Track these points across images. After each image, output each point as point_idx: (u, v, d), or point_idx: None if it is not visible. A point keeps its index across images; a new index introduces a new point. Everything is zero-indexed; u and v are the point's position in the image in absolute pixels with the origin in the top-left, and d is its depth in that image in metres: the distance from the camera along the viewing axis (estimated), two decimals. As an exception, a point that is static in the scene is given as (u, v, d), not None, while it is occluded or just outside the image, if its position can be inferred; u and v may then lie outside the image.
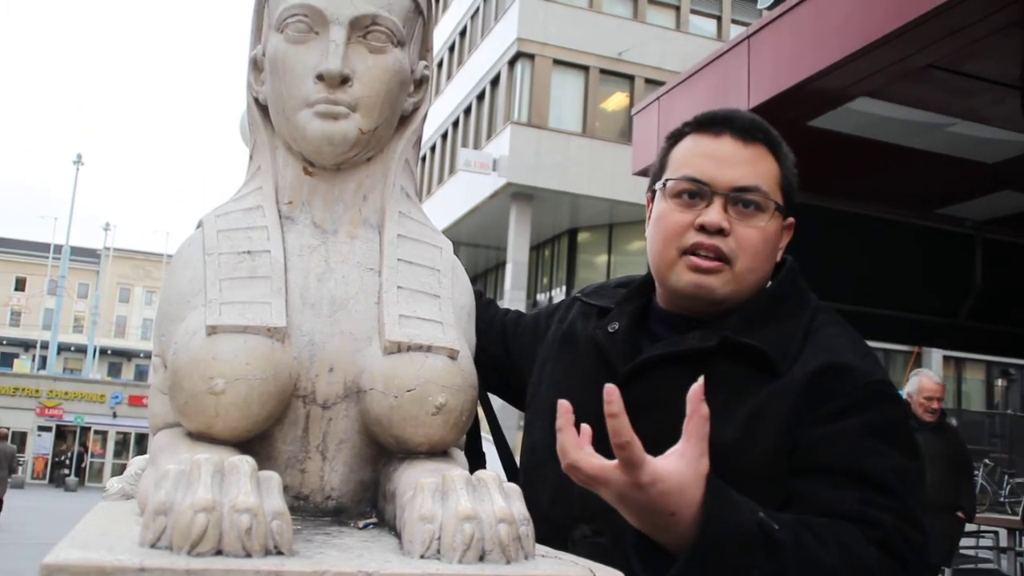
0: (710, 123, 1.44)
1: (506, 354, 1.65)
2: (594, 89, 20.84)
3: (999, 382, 23.39)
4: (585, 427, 1.09)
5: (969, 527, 7.44)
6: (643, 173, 8.41)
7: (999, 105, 6.26)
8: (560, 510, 1.29)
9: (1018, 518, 9.28)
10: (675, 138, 1.48)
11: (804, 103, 6.52)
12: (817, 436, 1.24)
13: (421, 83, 1.36)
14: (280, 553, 0.87)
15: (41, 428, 36.04)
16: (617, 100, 21.22)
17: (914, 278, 7.63)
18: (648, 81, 20.13)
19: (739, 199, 1.36)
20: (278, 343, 1.11)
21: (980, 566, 8.10)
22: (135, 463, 1.50)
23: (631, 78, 20.83)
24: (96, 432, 37.68)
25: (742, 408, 1.25)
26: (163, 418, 1.19)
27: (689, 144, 1.44)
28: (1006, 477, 16.67)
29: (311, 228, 1.24)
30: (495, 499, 0.96)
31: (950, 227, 8.97)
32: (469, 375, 1.19)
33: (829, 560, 1.12)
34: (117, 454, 37.61)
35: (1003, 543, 8.64)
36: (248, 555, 0.84)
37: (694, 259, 1.36)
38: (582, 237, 22.63)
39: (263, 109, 1.31)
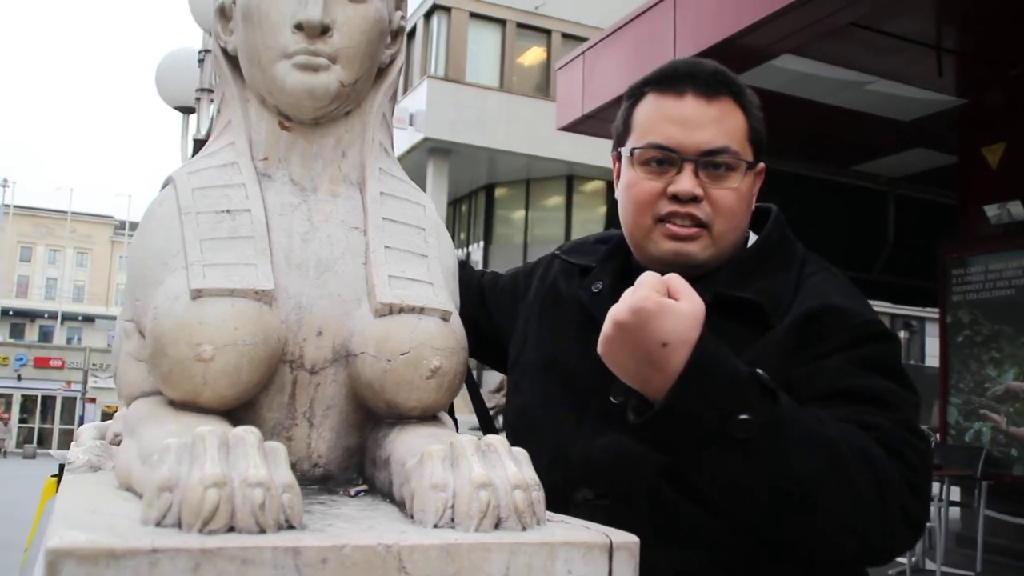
0: (671, 80, 1.40)
1: (486, 315, 1.62)
2: (511, 43, 20.68)
3: (902, 334, 24.26)
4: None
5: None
6: (568, 128, 8.41)
7: (917, 64, 6.42)
8: (559, 473, 1.26)
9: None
10: (635, 96, 1.45)
11: (728, 60, 6.58)
12: (808, 372, 1.23)
13: (397, 34, 1.30)
14: (292, 527, 0.83)
15: (-60, 392, 34.80)
16: (534, 55, 21.11)
17: (832, 234, 7.81)
18: (566, 36, 20.07)
19: (709, 163, 1.35)
20: (266, 306, 1.05)
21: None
22: (86, 431, 1.43)
23: (548, 32, 20.72)
24: (0, 396, 36.50)
25: (742, 360, 1.25)
26: (139, 387, 1.13)
27: (652, 105, 1.41)
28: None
29: (290, 185, 1.18)
30: (507, 465, 0.93)
31: (865, 183, 9.22)
32: (461, 337, 1.16)
33: (830, 433, 1.11)
34: (22, 420, 36.50)
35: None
36: (262, 531, 0.80)
37: (671, 227, 1.34)
38: (499, 192, 22.56)
39: (232, 60, 1.24)
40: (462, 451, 0.93)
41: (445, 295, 1.16)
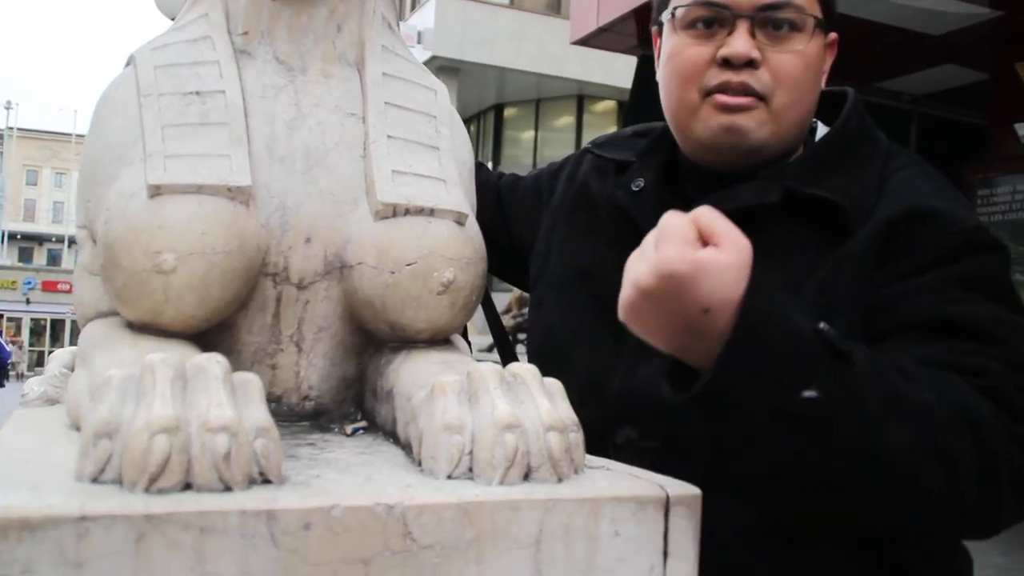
0: None
1: (503, 223, 1.41)
2: (524, -41, 20.06)
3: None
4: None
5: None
6: (582, 42, 8.09)
7: (952, -29, 6.08)
8: (595, 408, 1.03)
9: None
10: None
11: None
12: (893, 293, 1.02)
13: None
14: (268, 481, 0.65)
15: (-50, 315, 34.94)
16: (546, -30, 20.49)
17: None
18: (578, -50, 19.46)
19: (768, 19, 1.11)
20: (242, 206, 0.86)
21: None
22: (57, 357, 1.25)
23: (561, -53, 20.09)
24: (9, 320, 36.62)
25: (813, 279, 1.04)
26: (94, 306, 0.94)
27: None
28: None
29: (274, 64, 0.98)
30: (539, 400, 0.75)
31: (888, 101, 8.89)
32: (479, 245, 0.97)
33: (921, 395, 0.88)
34: (32, 344, 36.68)
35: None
36: (228, 488, 0.62)
37: (721, 97, 1.11)
38: (508, 113, 22.11)
39: (203, -87, 1.02)
40: (482, 383, 0.75)
41: (460, 194, 0.97)
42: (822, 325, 0.86)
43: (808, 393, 0.82)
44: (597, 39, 7.89)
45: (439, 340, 0.97)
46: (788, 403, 0.82)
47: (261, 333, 0.93)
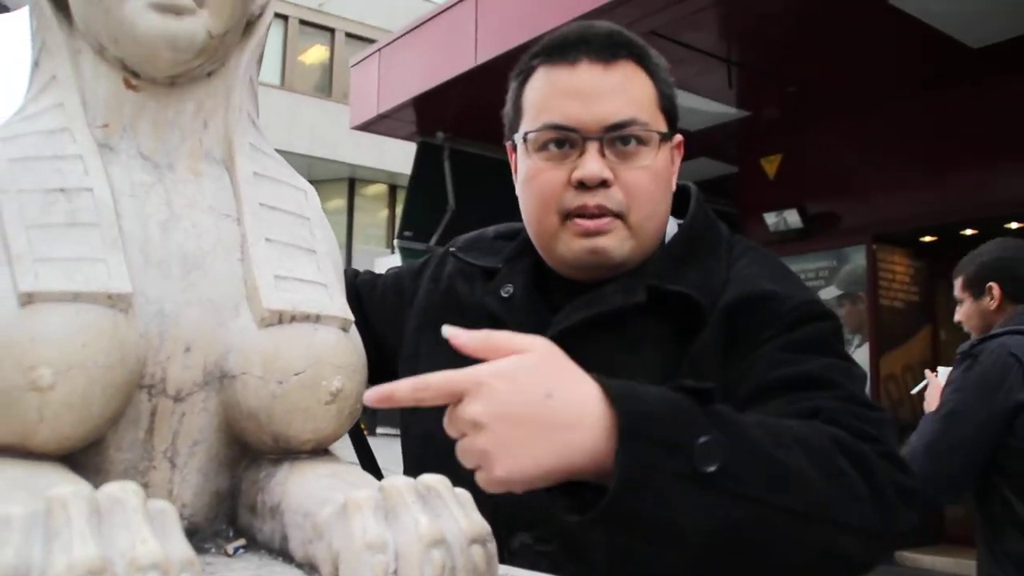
0: (562, 49, 1.21)
1: (363, 323, 1.38)
2: (294, 40, 20.02)
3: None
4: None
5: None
6: (362, 127, 8.13)
7: (708, 75, 6.62)
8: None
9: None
10: (523, 73, 1.26)
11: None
12: (735, 373, 1.07)
13: (267, -20, 1.07)
14: (191, 620, 0.60)
15: None
16: (317, 53, 20.54)
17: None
18: (349, 35, 19.65)
19: (616, 138, 1.17)
20: (121, 315, 0.80)
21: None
22: None
23: (332, 31, 20.23)
24: None
25: (672, 378, 1.09)
26: (-65, 422, 0.84)
27: (542, 80, 1.22)
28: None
29: (139, 160, 0.93)
30: (455, 513, 0.74)
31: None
32: (362, 352, 0.95)
33: (790, 426, 0.91)
34: None
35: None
36: (159, 632, 0.57)
37: (581, 221, 1.16)
38: (279, 194, 21.79)
39: (54, -1, 0.97)
40: (400, 498, 0.73)
41: (342, 300, 0.95)
42: (681, 382, 0.88)
43: (701, 439, 0.82)
44: (376, 125, 7.98)
45: (320, 450, 0.93)
46: (691, 459, 0.81)
47: (132, 449, 0.86)
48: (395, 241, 8.71)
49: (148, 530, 0.59)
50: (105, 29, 0.91)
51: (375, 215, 20.73)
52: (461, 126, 7.72)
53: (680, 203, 1.29)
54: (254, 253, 0.91)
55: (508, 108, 1.29)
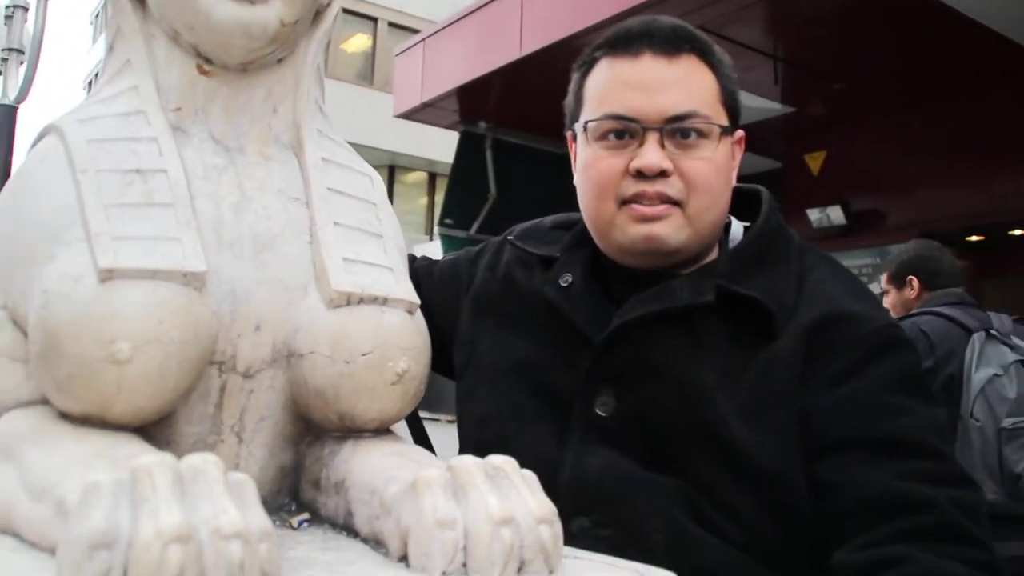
0: (625, 41, 1.22)
1: (424, 309, 1.41)
2: (336, 29, 20.10)
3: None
4: None
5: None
6: (405, 115, 8.18)
7: (753, 71, 6.58)
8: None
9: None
10: (587, 64, 1.27)
11: (575, 56, 6.57)
12: (832, 403, 1.08)
13: (336, -29, 1.09)
14: (270, 589, 0.62)
15: None
16: (359, 42, 20.63)
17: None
18: (392, 25, 19.72)
19: (676, 130, 1.17)
20: (196, 293, 0.82)
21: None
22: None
23: (374, 20, 20.30)
24: None
25: (744, 379, 1.09)
26: (13, 394, 0.87)
27: (605, 71, 1.23)
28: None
29: (211, 144, 0.95)
30: (523, 493, 0.75)
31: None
32: (427, 335, 0.97)
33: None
34: None
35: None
36: (242, 600, 0.59)
37: (637, 207, 1.17)
38: (320, 182, 21.94)
39: (130, -16, 0.99)
40: (469, 477, 0.74)
41: (407, 284, 0.96)
42: None
43: None
44: (420, 114, 8.02)
45: (383, 429, 0.95)
46: None
47: (201, 423, 0.88)
48: (436, 228, 8.75)
49: (230, 501, 0.61)
50: (180, 16, 0.93)
51: (415, 202, 20.80)
52: (504, 116, 7.74)
53: (751, 206, 1.30)
54: (323, 236, 0.93)
55: (569, 99, 1.30)
